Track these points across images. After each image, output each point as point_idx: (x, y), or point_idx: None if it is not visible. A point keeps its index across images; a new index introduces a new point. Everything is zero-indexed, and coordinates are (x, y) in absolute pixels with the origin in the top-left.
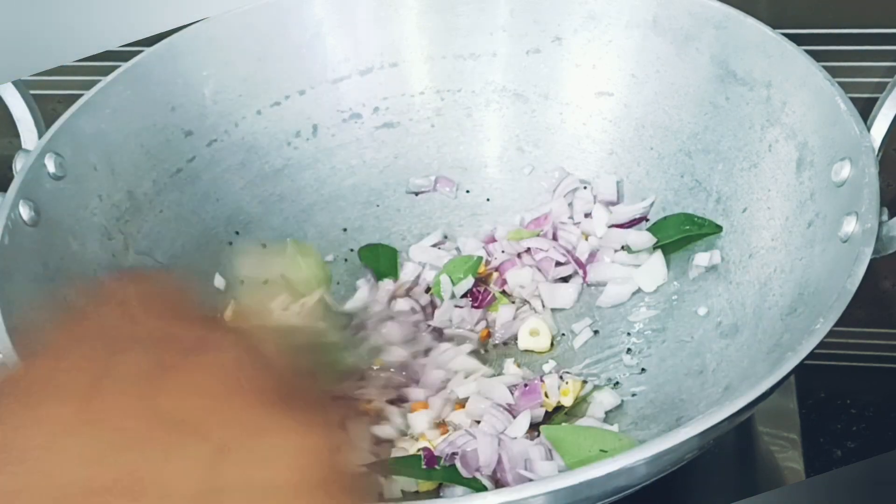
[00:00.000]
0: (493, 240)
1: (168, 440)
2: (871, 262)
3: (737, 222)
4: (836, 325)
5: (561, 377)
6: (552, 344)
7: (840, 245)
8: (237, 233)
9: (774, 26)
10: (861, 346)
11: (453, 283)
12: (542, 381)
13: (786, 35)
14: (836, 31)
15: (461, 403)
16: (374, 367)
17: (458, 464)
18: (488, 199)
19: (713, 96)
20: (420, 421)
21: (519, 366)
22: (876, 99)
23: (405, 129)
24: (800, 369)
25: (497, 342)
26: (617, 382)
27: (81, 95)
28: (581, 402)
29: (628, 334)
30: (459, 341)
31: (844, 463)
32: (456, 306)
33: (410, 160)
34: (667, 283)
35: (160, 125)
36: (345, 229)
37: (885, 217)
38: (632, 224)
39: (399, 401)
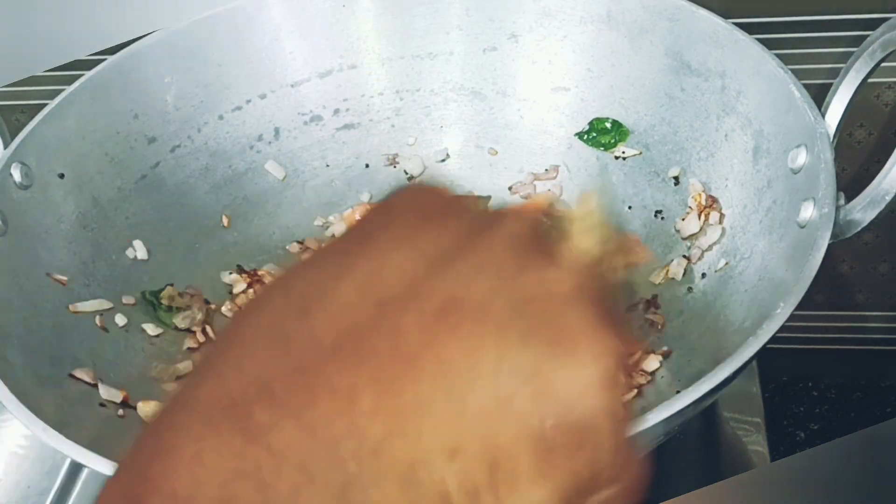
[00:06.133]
0: None
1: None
2: (829, 246)
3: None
4: (796, 309)
5: None
6: None
7: (798, 231)
8: (203, 236)
9: (726, 16)
10: (821, 328)
11: None
12: None
13: (738, 24)
14: (788, 19)
15: None
16: None
17: None
18: None
19: (668, 88)
20: None
21: None
22: (829, 85)
23: (366, 129)
24: (762, 354)
25: None
26: None
27: (44, 105)
28: None
29: None
30: None
31: (808, 445)
32: None
33: (371, 161)
34: None
35: (124, 132)
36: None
37: (841, 202)
38: None
39: None
